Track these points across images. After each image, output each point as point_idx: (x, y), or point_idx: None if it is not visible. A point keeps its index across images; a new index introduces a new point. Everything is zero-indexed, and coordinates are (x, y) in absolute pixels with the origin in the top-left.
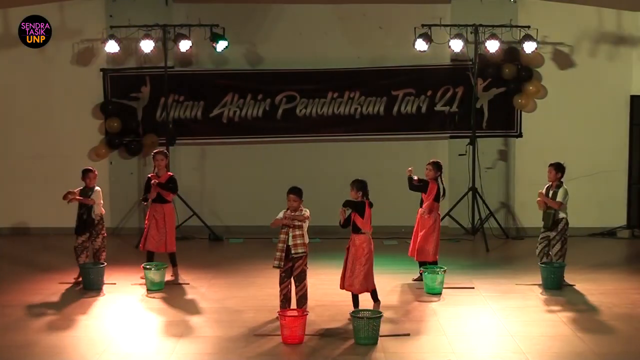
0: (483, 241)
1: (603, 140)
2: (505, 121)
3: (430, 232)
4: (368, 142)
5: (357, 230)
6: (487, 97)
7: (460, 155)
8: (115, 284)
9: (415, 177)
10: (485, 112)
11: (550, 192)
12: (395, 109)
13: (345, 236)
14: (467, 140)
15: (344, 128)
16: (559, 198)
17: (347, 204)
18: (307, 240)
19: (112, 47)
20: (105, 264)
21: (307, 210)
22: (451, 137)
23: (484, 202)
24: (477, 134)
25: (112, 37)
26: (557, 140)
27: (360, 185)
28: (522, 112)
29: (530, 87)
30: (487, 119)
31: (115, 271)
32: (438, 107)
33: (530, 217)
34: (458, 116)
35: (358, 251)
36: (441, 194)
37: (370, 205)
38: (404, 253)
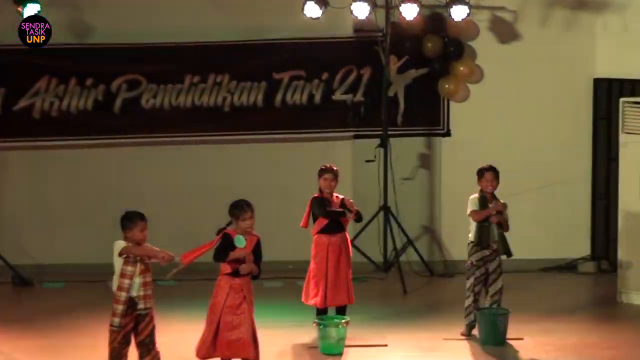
0: (399, 280)
1: (558, 141)
2: (428, 114)
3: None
4: (241, 144)
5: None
6: (404, 81)
7: (367, 161)
8: None
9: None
10: (401, 103)
11: (475, 204)
12: (279, 98)
13: (207, 277)
14: (377, 141)
15: (208, 125)
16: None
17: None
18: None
19: None
20: None
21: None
22: (355, 137)
23: (399, 226)
24: (390, 132)
25: None
26: (497, 140)
27: (232, 209)
28: (451, 102)
29: (461, 68)
30: (404, 111)
31: None
32: (337, 96)
33: (462, 245)
34: (364, 108)
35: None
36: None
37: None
38: (293, 298)
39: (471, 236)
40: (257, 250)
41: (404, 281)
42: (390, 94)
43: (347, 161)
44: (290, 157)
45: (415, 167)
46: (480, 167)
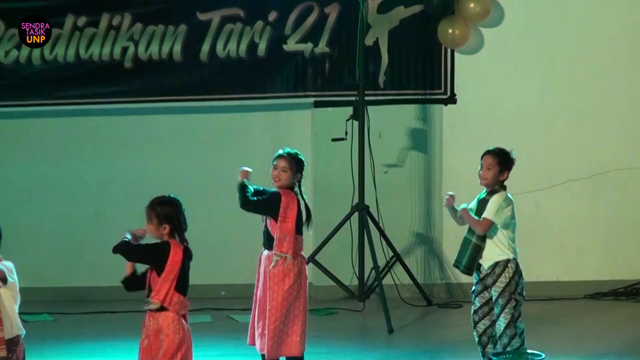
0: (381, 313)
1: (617, 112)
2: (422, 72)
3: (291, 300)
4: (150, 116)
5: None
6: (388, 24)
7: (335, 140)
8: None
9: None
10: (384, 55)
11: (473, 203)
12: (205, 49)
13: None
14: (349, 110)
15: (100, 89)
16: (487, 213)
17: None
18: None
19: None
20: None
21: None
22: (316, 105)
23: (382, 234)
24: (368, 98)
25: None
26: (523, 110)
27: (161, 209)
28: (456, 54)
29: (471, 5)
30: (389, 67)
31: None
32: (290, 46)
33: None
34: (330, 63)
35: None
36: (304, 219)
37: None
38: (232, 339)
39: (509, 253)
40: None
41: (389, 314)
42: (369, 42)
43: (305, 139)
44: (222, 135)
45: (405, 149)
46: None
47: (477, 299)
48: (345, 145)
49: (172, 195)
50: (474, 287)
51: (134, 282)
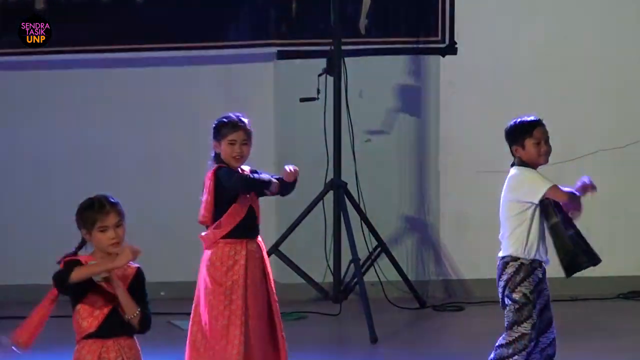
0: (363, 317)
1: None
2: (413, 15)
3: None
4: (60, 71)
5: None
6: None
7: (304, 100)
8: None
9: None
10: None
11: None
12: None
13: None
14: (323, 62)
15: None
16: (520, 192)
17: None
18: None
19: None
20: None
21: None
22: (281, 56)
23: (363, 218)
24: (346, 48)
25: None
26: (540, 62)
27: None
28: None
29: None
30: (371, 9)
31: None
32: None
33: (480, 254)
34: (297, 4)
35: None
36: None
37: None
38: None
39: (517, 248)
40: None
41: (372, 320)
42: None
43: (265, 100)
44: (162, 94)
45: (392, 111)
46: (524, 119)
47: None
48: (317, 107)
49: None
50: (531, 287)
51: None
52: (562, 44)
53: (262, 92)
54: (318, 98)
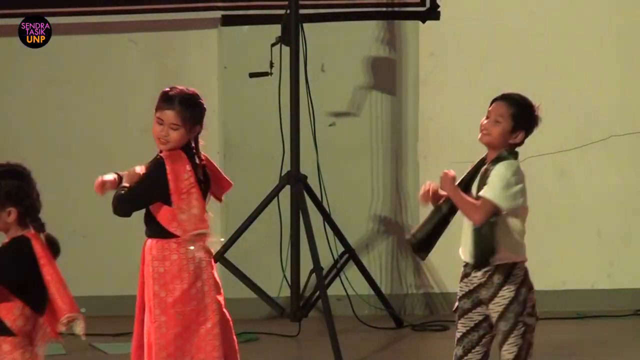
0: (327, 339)
1: None
2: None
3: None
4: None
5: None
6: None
7: (255, 75)
8: None
9: None
10: None
11: (477, 178)
12: None
13: None
14: (276, 29)
15: None
16: (488, 190)
17: None
18: None
19: None
20: None
21: None
22: (226, 22)
23: (327, 219)
24: (304, 12)
25: None
26: (540, 29)
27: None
28: None
29: None
30: None
31: None
32: None
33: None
34: None
35: None
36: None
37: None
38: None
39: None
40: None
41: (337, 342)
42: None
43: (207, 75)
44: (82, 67)
45: (362, 89)
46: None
47: (462, 320)
48: (270, 84)
49: (11, 162)
50: (457, 303)
51: None
52: (565, 6)
53: (203, 65)
54: (271, 73)
